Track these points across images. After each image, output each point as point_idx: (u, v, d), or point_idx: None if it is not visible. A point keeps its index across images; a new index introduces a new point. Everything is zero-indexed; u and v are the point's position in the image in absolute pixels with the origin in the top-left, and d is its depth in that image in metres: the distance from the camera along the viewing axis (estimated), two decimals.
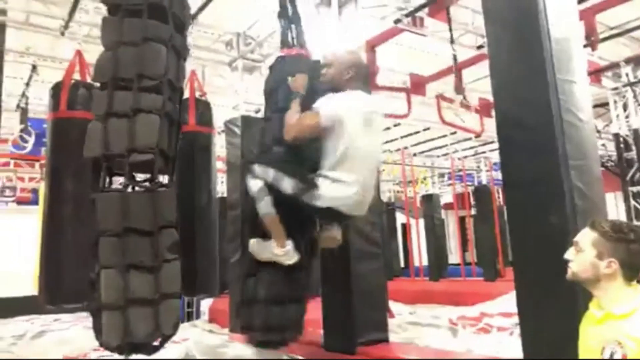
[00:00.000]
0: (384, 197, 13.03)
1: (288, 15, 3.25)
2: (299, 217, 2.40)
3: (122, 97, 2.00)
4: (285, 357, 4.01)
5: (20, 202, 10.41)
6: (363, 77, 2.48)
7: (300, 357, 3.98)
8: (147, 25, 2.12)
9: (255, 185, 2.32)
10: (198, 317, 8.29)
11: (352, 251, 3.86)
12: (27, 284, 7.83)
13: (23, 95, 6.83)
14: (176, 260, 1.89)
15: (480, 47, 6.03)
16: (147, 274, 1.83)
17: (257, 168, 2.35)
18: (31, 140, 6.85)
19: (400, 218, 13.69)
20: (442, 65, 6.59)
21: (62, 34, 5.04)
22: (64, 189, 3.89)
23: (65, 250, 3.83)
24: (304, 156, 2.39)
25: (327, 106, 2.30)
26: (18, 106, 6.93)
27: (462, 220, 12.39)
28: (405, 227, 13.53)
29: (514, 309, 2.55)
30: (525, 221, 2.57)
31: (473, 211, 11.91)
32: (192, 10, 5.33)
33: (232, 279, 5.42)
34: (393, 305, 7.80)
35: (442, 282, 10.75)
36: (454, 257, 14.20)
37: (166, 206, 1.92)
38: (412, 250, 11.38)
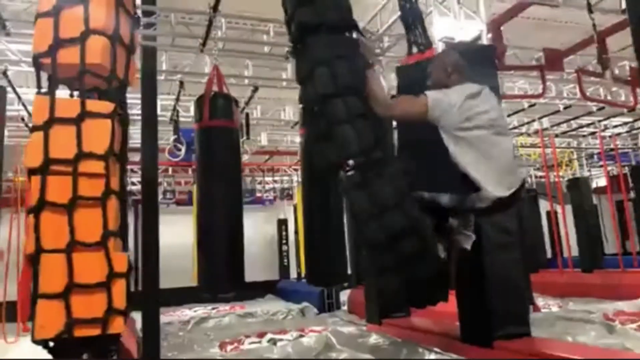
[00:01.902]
0: None
1: (409, 17, 3.26)
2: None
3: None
4: (421, 349, 4.02)
5: (178, 203, 11.81)
6: (463, 69, 2.66)
7: (437, 349, 3.96)
8: None
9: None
10: (338, 307, 8.61)
11: (483, 240, 3.71)
12: (188, 277, 8.89)
13: (174, 109, 7.74)
14: None
15: (625, 10, 5.36)
16: None
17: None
18: (183, 148, 7.74)
19: (544, 205, 12.67)
20: (581, 37, 5.98)
21: (201, 50, 5.59)
22: (210, 189, 4.33)
23: (216, 244, 4.27)
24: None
25: (435, 94, 2.49)
26: (171, 119, 7.87)
27: (619, 205, 11.03)
28: (549, 215, 12.50)
29: None
30: None
31: (632, 194, 10.60)
32: None
33: (366, 271, 5.56)
34: (539, 299, 7.31)
35: (597, 273, 9.74)
36: (610, 246, 12.75)
37: None
38: (558, 240, 10.49)
